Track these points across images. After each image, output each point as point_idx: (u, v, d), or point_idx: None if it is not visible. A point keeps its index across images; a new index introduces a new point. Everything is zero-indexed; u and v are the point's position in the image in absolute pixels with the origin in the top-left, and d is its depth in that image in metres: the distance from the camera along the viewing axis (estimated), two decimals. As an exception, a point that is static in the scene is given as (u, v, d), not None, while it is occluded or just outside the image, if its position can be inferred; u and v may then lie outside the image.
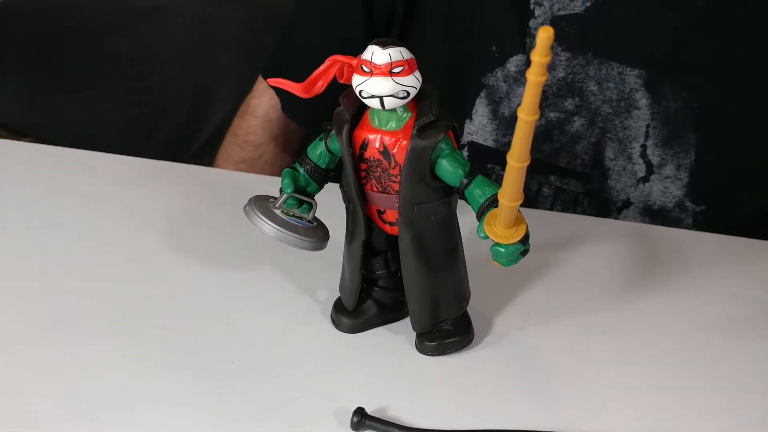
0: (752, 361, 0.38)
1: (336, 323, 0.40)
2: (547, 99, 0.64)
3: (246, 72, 1.14)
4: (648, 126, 0.64)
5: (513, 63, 0.64)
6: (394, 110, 0.33)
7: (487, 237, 0.31)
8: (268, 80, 0.37)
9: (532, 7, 0.63)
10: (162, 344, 0.38)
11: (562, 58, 0.63)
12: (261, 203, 0.38)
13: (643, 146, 0.64)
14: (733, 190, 0.63)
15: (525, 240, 0.31)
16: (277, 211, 0.38)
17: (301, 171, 0.38)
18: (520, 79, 0.64)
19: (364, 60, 0.32)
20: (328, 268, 0.45)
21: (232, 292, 0.43)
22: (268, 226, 0.37)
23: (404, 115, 0.33)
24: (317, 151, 0.38)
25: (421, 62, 0.54)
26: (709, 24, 0.62)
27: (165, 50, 1.20)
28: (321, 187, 0.39)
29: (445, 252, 0.36)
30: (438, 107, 0.33)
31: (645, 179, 0.65)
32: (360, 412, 0.31)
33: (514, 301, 0.43)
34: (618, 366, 0.37)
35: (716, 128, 0.62)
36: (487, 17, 0.64)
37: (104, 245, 0.48)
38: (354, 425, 0.31)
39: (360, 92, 0.33)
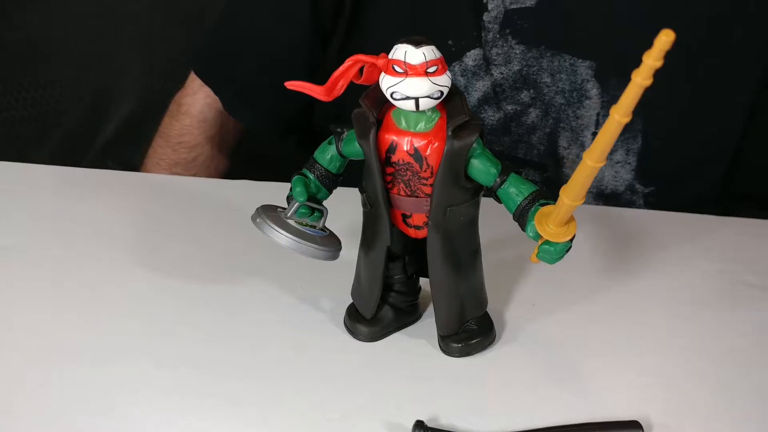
0: (740, 330, 0.41)
1: (353, 332, 0.38)
2: (504, 92, 0.65)
3: (148, 68, 1.08)
4: (598, 114, 0.66)
5: (470, 57, 0.64)
6: (423, 111, 0.32)
7: (537, 237, 0.31)
8: (287, 84, 0.34)
9: (485, 1, 0.64)
10: (180, 370, 0.35)
11: (517, 51, 0.64)
12: (271, 214, 0.36)
13: (594, 134, 0.67)
14: (679, 172, 0.67)
15: (573, 238, 0.31)
16: (291, 221, 0.36)
17: (312, 177, 0.36)
18: (478, 72, 0.65)
19: (396, 60, 0.31)
20: (325, 276, 0.43)
21: (229, 311, 0.41)
22: (285, 238, 0.35)
23: (433, 116, 0.33)
24: (327, 156, 0.36)
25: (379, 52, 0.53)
26: (653, 15, 0.65)
27: (57, 43, 1.10)
28: (330, 192, 0.37)
29: (471, 253, 0.36)
30: (468, 105, 0.32)
31: None
32: (420, 425, 0.30)
33: (515, 294, 0.43)
34: (633, 348, 0.38)
35: (661, 114, 0.65)
36: (443, 12, 0.64)
37: (76, 265, 0.44)
38: (414, 438, 0.30)
39: (392, 94, 0.31)
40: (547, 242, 0.31)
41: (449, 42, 0.65)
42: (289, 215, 0.36)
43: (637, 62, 0.70)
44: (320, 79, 0.62)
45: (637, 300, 0.44)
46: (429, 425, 0.31)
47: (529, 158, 0.67)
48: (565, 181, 0.60)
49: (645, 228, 0.55)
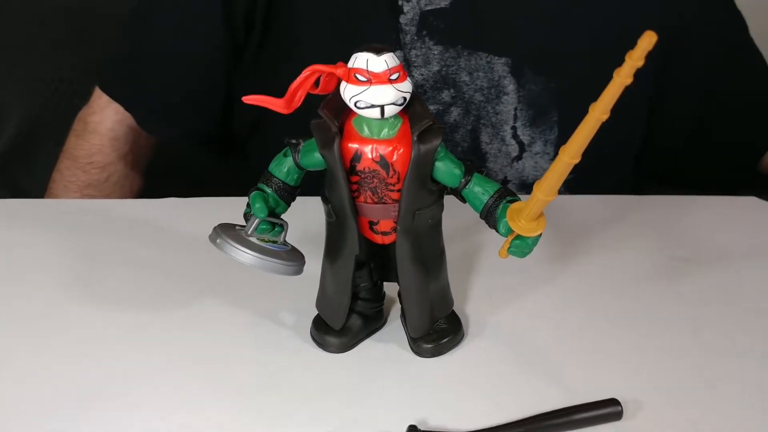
0: (683, 301, 0.44)
1: (323, 345, 0.38)
2: (426, 93, 0.66)
3: (32, 86, 1.01)
4: (516, 109, 0.69)
5: None
6: (387, 118, 0.32)
7: (509, 232, 0.32)
8: (244, 99, 0.33)
9: (400, 3, 0.65)
10: (151, 401, 0.33)
11: (435, 52, 0.66)
12: (231, 233, 0.35)
13: (514, 128, 0.69)
14: (596, 157, 0.71)
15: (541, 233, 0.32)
16: (252, 239, 0.35)
17: (269, 191, 0.36)
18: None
19: (359, 69, 0.31)
20: (280, 290, 0.43)
21: (189, 335, 0.39)
22: (248, 256, 0.34)
23: (396, 122, 0.33)
24: (284, 168, 0.36)
25: (302, 61, 0.53)
26: (563, 13, 0.68)
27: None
28: (289, 205, 0.36)
29: (437, 254, 0.36)
30: (428, 109, 0.33)
31: (518, 158, 0.70)
32: (414, 430, 0.30)
33: (470, 290, 0.44)
34: (592, 330, 0.40)
35: (574, 104, 0.69)
36: (361, 16, 0.65)
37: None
38: (411, 444, 0.30)
39: (356, 103, 0.31)
40: (518, 237, 0.32)
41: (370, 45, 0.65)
42: (249, 232, 0.35)
43: (547, 55, 0.73)
44: (240, 91, 0.61)
45: (585, 283, 0.46)
46: (421, 429, 0.31)
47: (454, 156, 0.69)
48: (490, 175, 0.62)
49: (574, 213, 0.58)
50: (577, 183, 0.70)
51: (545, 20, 0.67)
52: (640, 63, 0.26)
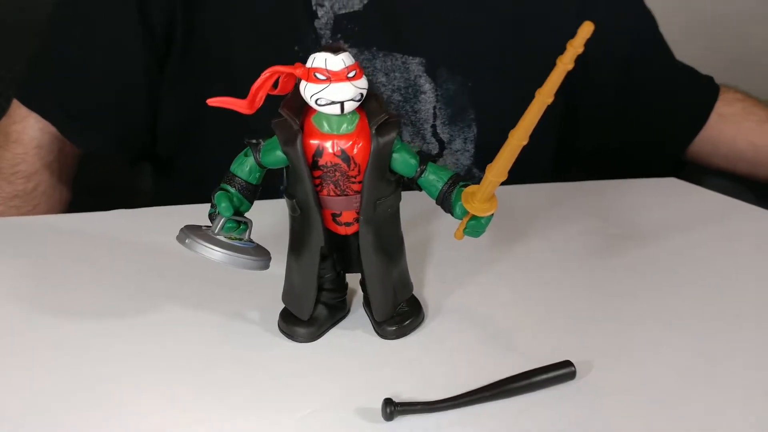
0: (622, 272, 0.48)
1: (291, 336, 0.39)
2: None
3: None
4: (434, 108, 0.72)
5: None
6: (345, 114, 0.34)
7: (464, 214, 0.35)
8: (209, 101, 0.34)
9: (314, 8, 0.67)
10: (132, 408, 0.34)
11: (351, 54, 0.68)
12: (198, 232, 0.36)
13: (433, 126, 0.73)
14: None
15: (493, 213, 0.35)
16: (220, 237, 0.36)
17: (233, 191, 0.37)
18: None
19: (318, 68, 0.33)
20: (242, 289, 0.44)
21: (158, 340, 0.39)
22: (218, 254, 0.35)
23: (354, 118, 0.35)
24: (246, 168, 0.37)
25: (230, 68, 0.54)
26: (475, 14, 0.72)
27: None
28: (252, 204, 0.38)
29: (397, 241, 0.39)
30: (382, 102, 0.35)
31: (439, 155, 0.74)
32: (389, 402, 0.32)
33: (425, 275, 0.47)
34: (541, 302, 0.44)
35: (489, 103, 0.73)
36: (283, 21, 0.67)
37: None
38: (388, 415, 0.32)
39: (317, 100, 0.33)
40: (473, 218, 0.35)
41: (295, 48, 0.67)
42: (216, 231, 0.36)
43: (462, 54, 0.77)
44: (165, 100, 0.61)
45: (530, 262, 0.50)
46: (396, 401, 0.33)
47: None
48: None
49: (514, 202, 0.62)
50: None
51: (457, 21, 0.71)
52: (581, 50, 0.29)
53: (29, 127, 0.67)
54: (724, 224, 0.58)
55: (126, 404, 0.34)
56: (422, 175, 0.36)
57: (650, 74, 0.82)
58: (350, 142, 0.35)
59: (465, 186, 0.35)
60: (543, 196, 0.65)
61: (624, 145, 0.86)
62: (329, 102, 0.33)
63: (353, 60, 0.34)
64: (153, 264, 0.48)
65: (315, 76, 0.33)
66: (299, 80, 0.34)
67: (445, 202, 0.36)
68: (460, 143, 0.74)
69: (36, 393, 0.34)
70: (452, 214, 0.36)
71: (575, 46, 0.29)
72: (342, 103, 0.33)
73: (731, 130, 0.82)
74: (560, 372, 0.35)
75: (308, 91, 0.33)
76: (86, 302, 0.43)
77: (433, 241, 0.52)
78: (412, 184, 0.37)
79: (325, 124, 0.35)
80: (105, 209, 0.57)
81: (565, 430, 0.32)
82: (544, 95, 0.30)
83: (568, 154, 0.85)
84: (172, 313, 0.42)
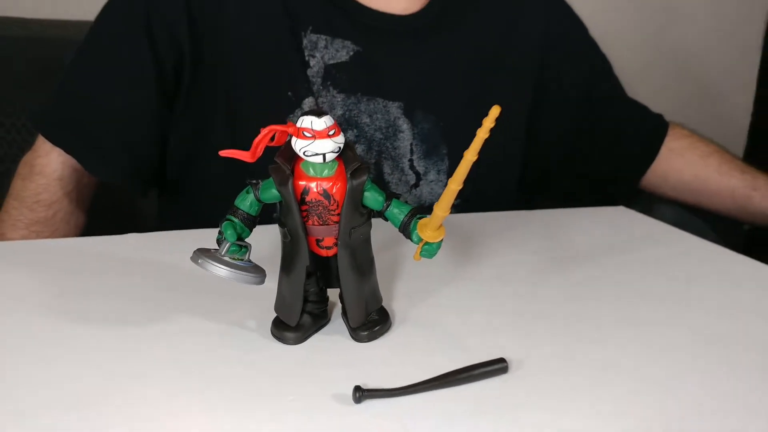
0: (562, 286, 0.58)
1: (282, 339, 0.48)
2: (334, 133, 0.78)
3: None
4: (411, 144, 0.82)
5: (306, 104, 0.76)
6: (327, 162, 0.43)
7: (419, 240, 0.44)
8: (221, 153, 0.43)
9: (307, 59, 0.77)
10: (152, 401, 0.42)
11: (339, 99, 0.78)
12: (208, 254, 0.45)
13: (411, 160, 0.82)
14: (481, 184, 0.85)
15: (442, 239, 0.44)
16: (226, 258, 0.45)
17: (236, 221, 0.46)
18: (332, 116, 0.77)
19: (305, 128, 0.42)
20: (240, 303, 0.53)
21: (171, 344, 0.48)
22: (225, 271, 0.44)
23: (333, 164, 0.44)
24: (247, 203, 0.46)
25: (231, 106, 0.63)
26: (445, 62, 0.82)
27: None
28: (251, 231, 0.47)
29: (369, 262, 0.48)
30: (356, 154, 0.44)
31: (416, 185, 0.83)
32: (358, 388, 0.41)
33: (394, 292, 0.56)
34: (490, 312, 0.53)
35: (460, 139, 0.83)
36: (280, 69, 0.76)
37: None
38: (357, 399, 0.41)
39: (304, 152, 0.42)
40: (426, 243, 0.44)
41: (289, 93, 0.77)
42: (223, 253, 0.45)
43: (434, 97, 0.87)
44: (174, 135, 0.70)
45: (484, 279, 0.59)
46: (365, 388, 0.42)
47: None
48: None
49: (472, 228, 0.71)
50: (471, 204, 0.84)
51: (430, 69, 0.81)
52: (486, 135, 0.38)
53: (53, 161, 0.76)
54: (659, 249, 0.68)
55: (140, 395, 0.42)
56: (388, 209, 0.45)
57: (605, 113, 0.92)
58: (330, 184, 0.44)
59: (420, 218, 0.45)
60: (500, 222, 0.75)
61: (583, 177, 0.96)
62: (314, 153, 0.42)
63: (333, 121, 0.43)
64: (164, 280, 0.57)
65: (303, 133, 0.42)
66: (290, 136, 0.43)
67: (405, 230, 0.45)
68: (434, 175, 0.83)
69: (57, 389, 0.43)
70: (411, 240, 0.45)
71: (483, 131, 0.38)
72: (324, 155, 0.42)
73: (678, 164, 0.93)
74: (495, 367, 0.44)
75: (297, 145, 0.43)
76: (105, 312, 0.52)
77: (400, 262, 0.61)
78: (379, 216, 0.46)
79: (311, 170, 0.44)
80: (112, 231, 0.66)
81: (496, 412, 0.41)
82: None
83: (533, 183, 0.95)
84: (182, 321, 0.51)
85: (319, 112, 0.43)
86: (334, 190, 0.44)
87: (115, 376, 0.44)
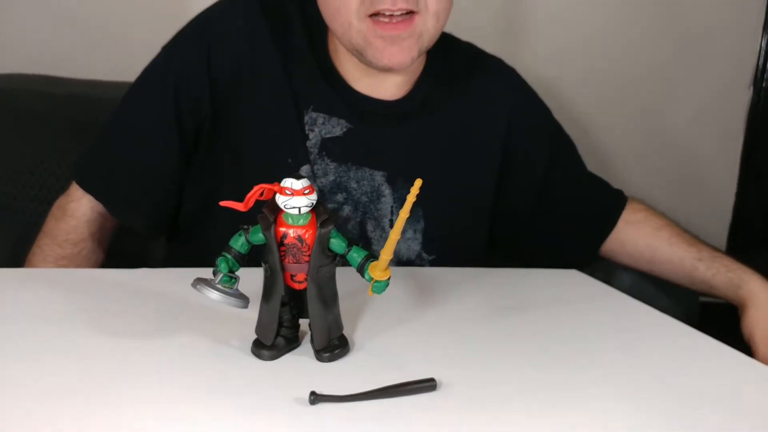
0: (500, 328, 0.69)
1: (259, 356, 0.59)
2: (325, 195, 0.91)
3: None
4: (392, 207, 0.94)
5: (303, 171, 0.90)
6: (302, 214, 0.56)
7: (371, 279, 0.56)
8: (221, 203, 0.56)
9: (307, 132, 0.90)
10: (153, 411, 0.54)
11: (332, 167, 0.91)
12: (205, 282, 0.57)
13: (391, 220, 0.94)
14: (451, 244, 0.97)
15: (389, 278, 0.56)
16: (219, 286, 0.57)
17: (229, 257, 0.58)
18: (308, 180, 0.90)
19: (286, 187, 0.55)
20: (228, 326, 0.64)
21: (173, 360, 0.60)
22: (216, 295, 0.56)
23: (307, 216, 0.56)
24: (239, 243, 0.58)
25: (240, 167, 0.76)
26: (422, 140, 0.95)
27: None
28: (241, 266, 0.59)
29: (333, 295, 0.59)
30: (327, 208, 0.57)
31: None
32: (313, 393, 0.52)
33: (356, 323, 0.67)
34: (431, 342, 0.64)
35: (434, 203, 0.95)
36: (283, 140, 0.89)
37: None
38: (312, 401, 0.52)
39: (284, 205, 0.55)
40: (376, 281, 0.56)
41: (289, 160, 0.90)
42: (217, 282, 0.57)
43: (413, 168, 1.01)
44: (190, 188, 0.84)
45: (429, 318, 0.71)
46: (319, 393, 0.53)
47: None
48: (375, 254, 0.86)
49: (433, 280, 0.83)
50: (442, 261, 0.96)
51: (410, 145, 0.94)
52: (412, 202, 0.51)
53: (83, 205, 0.89)
54: (593, 306, 0.79)
55: (139, 392, 0.54)
56: (348, 254, 0.57)
57: (566, 190, 1.04)
58: (304, 231, 0.56)
59: (373, 261, 0.57)
60: (461, 276, 0.86)
61: (547, 244, 1.07)
62: (292, 207, 0.55)
63: (309, 183, 0.56)
64: (166, 305, 0.68)
65: (284, 191, 0.55)
66: (275, 193, 0.56)
67: (361, 270, 0.57)
68: (411, 233, 0.95)
69: (67, 384, 0.54)
70: (365, 279, 0.57)
71: (408, 205, 0.51)
72: (299, 208, 0.55)
73: (634, 235, 1.04)
74: (426, 384, 0.55)
75: (279, 199, 0.55)
76: (116, 327, 0.63)
77: (367, 302, 0.73)
78: (342, 259, 0.58)
79: (289, 219, 0.56)
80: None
81: (423, 419, 0.52)
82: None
83: (499, 246, 1.07)
84: (179, 336, 0.62)
85: (298, 176, 0.55)
86: (307, 236, 0.56)
87: (118, 375, 0.55)
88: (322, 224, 0.56)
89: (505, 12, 1.66)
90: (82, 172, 0.91)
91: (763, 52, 1.87)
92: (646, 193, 1.84)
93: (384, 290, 0.57)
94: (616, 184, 1.10)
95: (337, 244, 0.57)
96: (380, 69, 0.85)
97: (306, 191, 0.55)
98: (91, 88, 1.26)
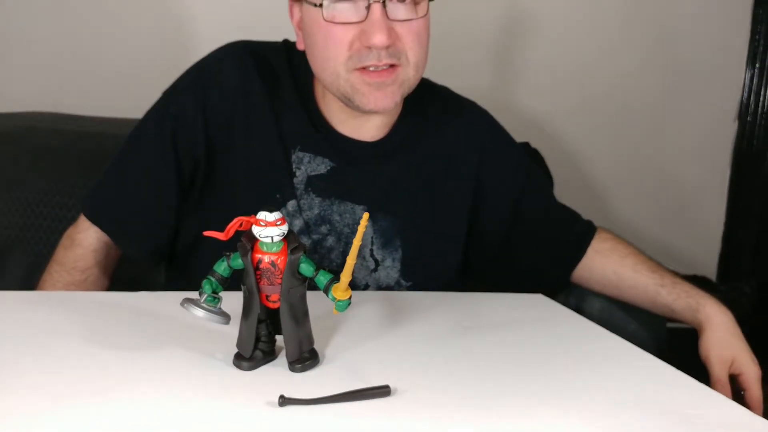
0: (461, 345, 0.76)
1: (239, 367, 0.68)
2: (311, 227, 0.99)
3: (9, 211, 1.29)
4: (372, 237, 1.03)
5: (290, 205, 0.98)
6: (275, 242, 0.65)
7: (334, 299, 0.64)
8: (205, 233, 0.65)
9: (294, 170, 0.99)
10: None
11: (317, 201, 1.00)
12: (192, 300, 0.66)
13: (371, 250, 1.03)
14: (428, 271, 1.05)
15: (350, 297, 0.65)
16: (204, 304, 0.66)
17: (213, 280, 0.67)
18: (295, 214, 0.99)
19: (260, 219, 0.64)
20: (213, 341, 0.73)
21: (166, 373, 0.68)
22: (201, 312, 0.65)
23: (280, 243, 0.65)
24: (221, 268, 0.67)
25: (233, 202, 0.86)
26: (400, 177, 1.04)
27: None
28: (224, 288, 0.68)
29: (303, 313, 0.68)
30: (297, 237, 0.66)
31: (375, 270, 1.03)
32: (282, 397, 0.60)
33: (331, 339, 0.76)
34: (392, 355, 0.72)
35: (411, 234, 1.04)
36: (270, 177, 0.99)
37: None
38: (281, 403, 0.60)
39: (259, 234, 0.64)
40: (339, 301, 0.64)
41: (277, 195, 0.99)
42: (202, 301, 0.66)
43: (391, 202, 1.10)
44: (186, 222, 0.94)
45: (399, 335, 0.79)
46: (287, 397, 0.61)
47: (332, 268, 1.01)
48: (357, 280, 0.97)
49: (405, 303, 0.91)
50: (418, 286, 1.04)
51: (388, 181, 1.03)
52: (359, 243, 0.60)
53: (90, 236, 0.99)
54: (554, 329, 0.87)
55: (138, 399, 0.62)
56: (316, 277, 0.66)
57: (537, 221, 1.12)
58: (277, 257, 0.65)
59: (336, 283, 0.65)
60: (432, 300, 0.94)
61: (519, 271, 1.15)
62: (266, 236, 0.64)
63: (280, 215, 0.65)
64: (161, 322, 0.77)
65: (260, 222, 0.64)
66: (252, 224, 0.65)
67: (327, 291, 0.66)
68: (390, 262, 1.04)
69: (77, 395, 0.63)
70: (329, 298, 0.65)
71: (357, 240, 0.59)
72: (272, 237, 0.64)
73: (601, 262, 1.12)
74: (381, 390, 0.63)
75: (255, 230, 0.64)
76: (116, 339, 0.72)
77: (339, 321, 0.81)
78: (311, 281, 0.67)
79: (264, 247, 0.65)
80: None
81: (378, 418, 0.60)
82: (357, 241, 0.61)
83: (473, 272, 1.15)
84: (173, 351, 0.71)
85: (270, 209, 0.64)
86: (279, 261, 0.65)
87: (116, 382, 0.64)
88: (292, 251, 0.65)
89: (497, 49, 1.76)
90: (89, 206, 1.00)
91: (747, 86, 1.96)
92: (637, 224, 1.93)
93: (346, 308, 0.65)
94: (606, 215, 1.16)
95: (305, 268, 0.66)
96: (366, 112, 0.95)
97: (278, 222, 0.64)
98: (100, 125, 1.36)
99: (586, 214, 1.17)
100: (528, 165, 1.14)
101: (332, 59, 0.90)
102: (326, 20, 0.88)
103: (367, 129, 1.01)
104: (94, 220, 0.99)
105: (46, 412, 0.57)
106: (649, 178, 1.91)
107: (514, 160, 1.12)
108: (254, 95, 0.98)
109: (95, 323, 0.77)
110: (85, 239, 1.00)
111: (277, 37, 1.06)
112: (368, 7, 0.86)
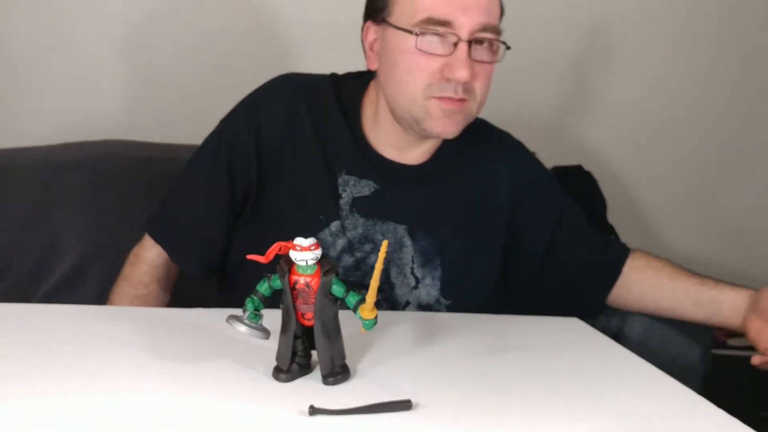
0: (494, 359, 0.81)
1: (277, 378, 0.74)
2: (354, 246, 1.06)
3: (88, 230, 1.41)
4: (413, 256, 1.08)
5: (333, 226, 1.05)
6: (309, 265, 0.71)
7: (362, 318, 0.70)
8: (248, 256, 0.72)
9: (340, 192, 1.06)
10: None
11: (360, 221, 1.06)
12: (236, 317, 0.73)
13: (411, 268, 1.08)
14: (466, 289, 1.10)
15: (376, 317, 0.70)
16: (246, 321, 0.73)
17: (255, 299, 0.74)
18: (338, 234, 1.05)
19: (297, 244, 0.70)
20: (256, 355, 0.79)
21: (216, 385, 0.75)
22: (243, 328, 0.72)
23: (314, 266, 0.72)
24: (263, 288, 0.74)
25: (279, 222, 0.94)
26: (440, 199, 1.09)
27: (8, 212, 1.43)
28: (264, 306, 0.75)
29: (336, 331, 0.74)
30: (328, 261, 0.72)
31: (415, 287, 1.09)
32: (312, 407, 0.66)
33: (364, 355, 0.81)
34: (418, 372, 0.77)
35: (450, 253, 1.08)
36: (316, 199, 1.06)
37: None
38: (311, 413, 0.66)
39: (295, 258, 0.70)
40: (365, 320, 0.70)
41: (321, 216, 1.06)
42: (245, 318, 0.73)
43: (430, 222, 1.16)
44: (237, 243, 1.02)
45: (425, 357, 0.83)
46: (316, 407, 0.67)
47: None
48: (398, 298, 1.03)
49: (441, 323, 0.96)
50: (455, 309, 1.08)
51: (429, 203, 1.08)
52: (382, 266, 0.65)
53: (152, 253, 1.08)
54: (579, 352, 0.90)
55: (189, 404, 0.69)
56: (346, 297, 0.72)
57: (571, 247, 1.16)
58: (311, 278, 0.72)
59: (363, 303, 0.71)
60: (467, 321, 0.99)
61: (556, 294, 1.17)
62: (302, 260, 0.70)
63: (315, 241, 0.71)
64: (212, 336, 0.85)
65: (296, 247, 0.70)
66: (290, 249, 0.71)
67: (355, 311, 0.71)
68: (429, 280, 1.09)
69: (140, 395, 0.71)
70: (357, 317, 0.71)
71: (378, 263, 0.65)
72: (306, 261, 0.70)
73: (638, 277, 1.14)
74: (404, 403, 0.68)
75: (292, 254, 0.71)
76: (170, 350, 0.80)
77: (369, 336, 0.86)
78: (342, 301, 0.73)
79: (300, 269, 0.72)
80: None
81: (398, 429, 0.65)
82: (378, 265, 0.66)
83: (514, 293, 1.18)
84: (220, 363, 0.78)
85: (306, 237, 0.71)
86: (313, 283, 0.72)
87: (168, 388, 0.71)
88: (325, 273, 0.71)
89: (571, 74, 1.80)
90: (151, 225, 1.10)
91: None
92: (695, 253, 1.90)
93: (372, 327, 0.71)
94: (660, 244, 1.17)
95: (336, 289, 0.72)
96: (431, 136, 1.03)
97: (312, 247, 0.71)
98: (168, 151, 1.47)
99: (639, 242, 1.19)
100: (561, 193, 1.18)
101: (411, 84, 0.98)
102: (417, 48, 0.95)
103: (412, 153, 1.08)
104: (156, 239, 1.09)
105: (113, 412, 0.66)
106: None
107: (548, 189, 1.16)
108: (302, 122, 1.06)
109: (155, 336, 0.85)
110: (148, 256, 1.09)
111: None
112: (455, 44, 0.95)
